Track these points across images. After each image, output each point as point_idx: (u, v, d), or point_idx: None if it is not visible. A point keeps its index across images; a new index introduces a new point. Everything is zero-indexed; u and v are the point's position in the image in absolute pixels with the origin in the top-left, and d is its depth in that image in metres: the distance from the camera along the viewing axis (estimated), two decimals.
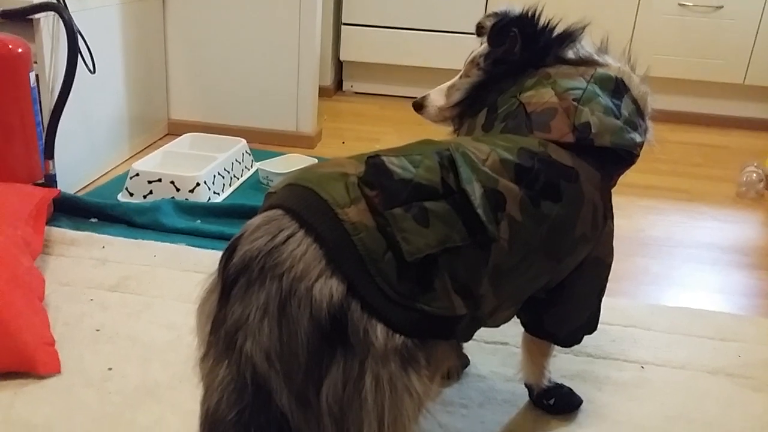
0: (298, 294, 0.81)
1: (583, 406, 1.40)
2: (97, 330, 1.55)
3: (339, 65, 3.95)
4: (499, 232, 0.95)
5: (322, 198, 0.86)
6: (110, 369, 1.42)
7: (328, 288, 0.81)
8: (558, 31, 1.22)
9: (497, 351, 1.56)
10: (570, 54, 1.21)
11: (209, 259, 1.86)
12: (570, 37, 1.22)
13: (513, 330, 1.63)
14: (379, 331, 0.82)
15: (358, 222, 0.85)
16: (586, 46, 1.23)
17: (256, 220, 0.88)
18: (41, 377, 1.37)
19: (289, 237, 0.83)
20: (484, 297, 0.95)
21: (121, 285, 1.74)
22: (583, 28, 1.23)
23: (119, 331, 1.55)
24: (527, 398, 1.40)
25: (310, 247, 0.83)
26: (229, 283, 0.85)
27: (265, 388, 0.82)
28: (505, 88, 1.19)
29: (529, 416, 1.37)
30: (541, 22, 1.22)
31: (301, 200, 0.87)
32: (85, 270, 1.80)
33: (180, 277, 1.78)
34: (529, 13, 1.22)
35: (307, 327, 0.80)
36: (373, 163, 0.91)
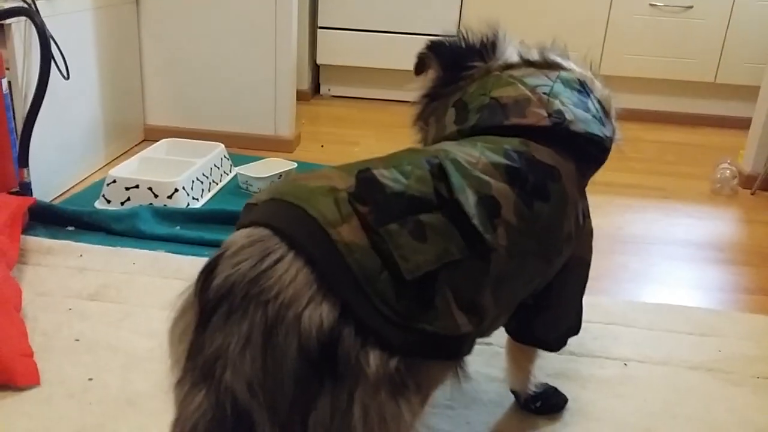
0: (285, 322, 0.76)
1: (568, 404, 1.41)
2: (77, 340, 1.52)
3: (316, 69, 3.94)
4: (497, 239, 0.93)
5: (311, 216, 0.82)
6: (90, 379, 1.39)
7: (318, 315, 0.77)
8: (474, 41, 1.25)
9: (482, 351, 1.56)
10: (535, 56, 1.23)
11: (189, 265, 1.84)
12: (489, 44, 1.24)
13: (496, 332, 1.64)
14: (372, 358, 0.78)
15: (351, 242, 0.80)
16: (551, 51, 1.25)
17: (238, 239, 0.82)
18: (20, 389, 1.35)
19: (277, 261, 0.79)
20: (486, 309, 0.93)
21: (99, 293, 1.71)
22: (497, 32, 1.25)
23: (99, 340, 1.53)
24: (513, 399, 1.40)
25: (300, 271, 0.78)
26: (209, 308, 0.80)
27: (246, 419, 0.77)
28: (455, 91, 1.22)
29: (514, 416, 1.37)
30: (457, 39, 1.26)
31: (289, 219, 0.82)
32: (62, 279, 1.77)
33: (160, 284, 1.76)
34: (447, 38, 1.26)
35: (295, 356, 0.76)
36: (364, 177, 0.87)
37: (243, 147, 2.87)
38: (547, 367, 1.52)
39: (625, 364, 1.56)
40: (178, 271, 1.83)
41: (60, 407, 1.31)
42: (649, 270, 2.07)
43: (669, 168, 3.05)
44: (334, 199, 0.84)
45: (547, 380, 1.43)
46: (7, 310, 1.47)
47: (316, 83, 3.99)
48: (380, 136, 3.21)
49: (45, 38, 1.95)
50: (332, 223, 0.82)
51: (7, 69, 1.99)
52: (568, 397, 1.42)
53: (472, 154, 1.00)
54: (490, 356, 1.55)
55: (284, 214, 0.83)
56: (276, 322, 0.76)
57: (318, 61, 3.84)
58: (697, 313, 1.80)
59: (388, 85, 3.85)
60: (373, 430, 0.78)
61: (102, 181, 2.28)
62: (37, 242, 1.93)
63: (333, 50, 3.78)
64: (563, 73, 1.20)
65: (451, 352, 0.88)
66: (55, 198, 2.30)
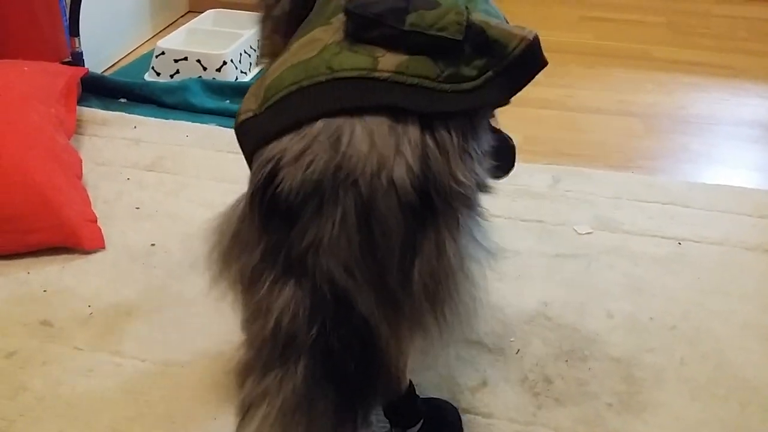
0: (381, 190, 0.75)
1: (619, 279, 1.41)
2: (137, 208, 1.57)
3: None
4: None
5: (349, 78, 0.77)
6: (153, 245, 1.45)
7: (405, 164, 0.76)
8: None
9: (532, 228, 1.56)
10: None
11: None
12: None
13: (546, 208, 1.63)
14: (460, 170, 0.79)
15: (395, 68, 0.77)
16: None
17: (294, 144, 0.77)
18: (87, 252, 1.41)
19: (350, 139, 0.76)
20: None
21: (156, 165, 1.74)
22: None
23: (158, 208, 1.57)
24: (564, 273, 1.41)
25: (373, 133, 0.76)
26: (294, 209, 0.78)
27: (345, 300, 0.79)
28: None
29: (563, 289, 1.38)
30: None
31: (332, 96, 0.78)
32: (119, 150, 1.80)
33: (214, 156, 1.78)
34: None
35: (399, 218, 0.76)
36: (351, 11, 0.81)
37: None
38: (599, 244, 1.51)
39: (680, 243, 1.54)
40: (230, 145, 1.82)
41: (125, 270, 1.37)
42: (711, 151, 1.99)
43: (739, 45, 2.86)
44: (347, 50, 0.80)
45: (598, 256, 1.43)
46: (70, 177, 1.52)
47: None
48: None
49: None
50: (369, 68, 0.78)
51: None
52: (620, 273, 1.42)
53: None
54: (541, 233, 1.55)
55: (324, 96, 0.79)
56: (372, 196, 0.76)
57: None
58: (757, 194, 1.75)
59: None
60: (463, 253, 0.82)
61: (150, 53, 2.26)
62: (92, 113, 1.95)
63: None
64: None
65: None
66: (105, 70, 2.30)
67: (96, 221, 1.48)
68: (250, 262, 0.84)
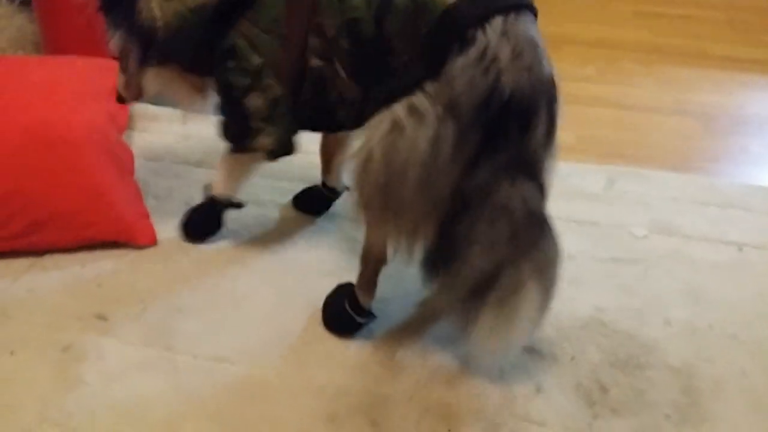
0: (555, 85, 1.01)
1: (677, 286, 1.37)
2: (187, 204, 1.57)
3: None
4: None
5: None
6: (203, 241, 1.46)
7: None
8: None
9: (587, 230, 1.52)
10: None
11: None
12: None
13: (601, 210, 1.59)
14: None
15: None
16: None
17: (502, 44, 0.95)
18: (139, 248, 1.42)
19: (535, 40, 0.98)
20: None
21: (205, 161, 1.75)
22: None
23: None
24: (619, 278, 1.37)
25: (536, 33, 1.00)
26: (520, 110, 0.95)
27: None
28: None
29: (618, 294, 1.34)
30: None
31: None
32: (169, 145, 1.82)
33: None
34: None
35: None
36: None
37: None
38: (656, 248, 1.47)
39: (740, 249, 1.49)
40: None
41: (177, 266, 1.38)
42: None
43: None
44: None
45: (655, 261, 1.39)
46: (123, 173, 1.53)
47: None
48: None
49: None
50: None
51: None
52: (678, 279, 1.37)
53: None
54: (598, 238, 1.51)
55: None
56: (553, 91, 1.01)
57: None
58: None
59: None
60: None
61: None
62: (143, 108, 1.97)
63: None
64: None
65: None
66: None
67: (148, 217, 1.49)
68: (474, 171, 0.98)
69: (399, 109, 0.98)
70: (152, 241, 1.44)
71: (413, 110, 0.97)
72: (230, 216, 1.51)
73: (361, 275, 1.21)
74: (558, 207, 1.58)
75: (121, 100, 1.43)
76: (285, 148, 1.27)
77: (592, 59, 2.41)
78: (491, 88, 0.92)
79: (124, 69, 1.37)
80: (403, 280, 1.31)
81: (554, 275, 1.04)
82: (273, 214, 1.55)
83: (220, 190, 1.40)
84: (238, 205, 1.44)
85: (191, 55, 1.26)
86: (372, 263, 1.19)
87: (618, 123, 2.02)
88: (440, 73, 0.95)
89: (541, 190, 1.02)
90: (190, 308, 1.28)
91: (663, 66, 2.39)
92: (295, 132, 1.26)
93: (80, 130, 1.51)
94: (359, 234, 1.20)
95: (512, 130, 0.95)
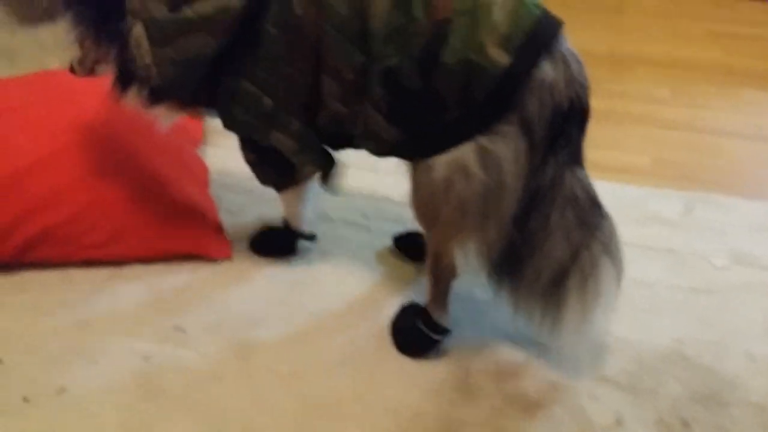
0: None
1: (759, 319, 1.32)
2: (260, 219, 1.60)
3: None
4: None
5: (542, 14, 1.06)
6: (276, 258, 1.48)
7: None
8: None
9: (663, 257, 1.48)
10: None
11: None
12: None
13: (678, 237, 1.54)
14: None
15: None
16: None
17: (556, 72, 1.04)
18: (214, 261, 1.45)
19: (573, 64, 1.06)
20: None
21: None
22: None
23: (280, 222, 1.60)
24: (698, 309, 1.33)
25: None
26: (562, 124, 1.06)
27: None
28: None
29: (698, 326, 1.30)
30: None
31: (550, 29, 1.05)
32: (242, 161, 1.85)
33: None
34: None
35: None
36: None
37: None
38: (736, 279, 1.42)
39: None
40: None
41: (251, 280, 1.41)
42: None
43: None
44: None
45: (735, 292, 1.35)
46: (198, 187, 1.57)
47: None
48: None
49: None
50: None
51: None
52: (761, 311, 1.33)
53: None
54: (673, 263, 1.47)
55: (549, 29, 1.05)
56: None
57: None
58: None
59: None
60: None
61: None
62: (216, 123, 2.01)
63: None
64: None
65: None
66: None
67: (223, 231, 1.52)
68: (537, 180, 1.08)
69: (480, 139, 1.05)
70: (227, 255, 1.46)
71: (493, 137, 1.05)
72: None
73: (435, 292, 1.22)
74: (633, 232, 1.56)
75: (72, 71, 1.34)
76: (330, 165, 1.29)
77: (665, 80, 2.36)
78: (556, 106, 1.04)
79: (81, 45, 1.29)
80: (473, 299, 1.31)
81: (619, 247, 1.13)
82: (344, 231, 1.56)
83: (291, 220, 1.43)
84: (311, 237, 1.46)
85: (186, 99, 1.24)
86: (445, 278, 1.21)
87: (694, 146, 1.97)
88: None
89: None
90: (265, 322, 1.29)
91: (738, 88, 2.32)
92: (324, 149, 1.28)
93: (157, 144, 1.56)
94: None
95: (571, 132, 1.08)
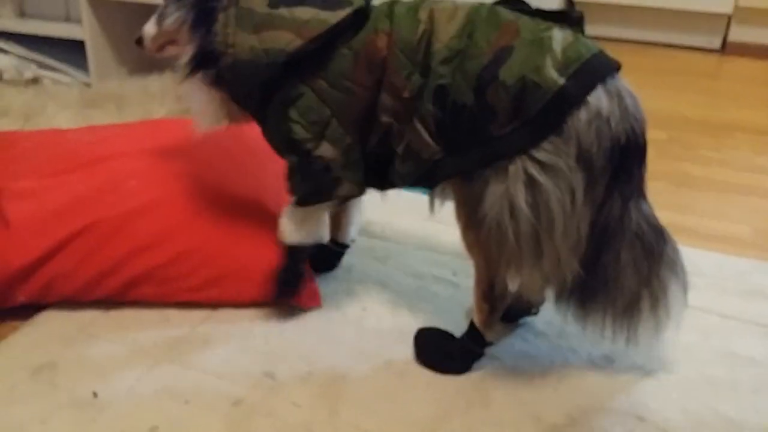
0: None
1: None
2: (349, 271, 1.62)
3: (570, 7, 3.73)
4: None
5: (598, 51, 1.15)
6: (364, 309, 1.49)
7: None
8: None
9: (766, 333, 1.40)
10: None
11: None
12: None
13: None
14: None
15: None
16: None
17: (612, 105, 1.09)
18: (304, 310, 1.47)
19: (627, 97, 1.12)
20: None
21: (366, 229, 1.80)
22: None
23: (368, 273, 1.61)
24: None
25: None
26: (639, 149, 1.13)
27: None
28: None
29: None
30: None
31: (606, 64, 1.12)
32: None
33: (422, 225, 1.81)
34: None
35: None
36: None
37: None
38: None
39: None
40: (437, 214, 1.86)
41: (339, 331, 1.42)
42: None
43: None
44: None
45: None
46: None
47: None
48: (643, 82, 2.96)
49: None
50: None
51: None
52: None
53: None
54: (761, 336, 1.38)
55: (604, 64, 1.12)
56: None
57: None
58: None
59: (652, 25, 3.54)
60: None
61: None
62: None
63: None
64: None
65: None
66: None
67: (313, 279, 1.55)
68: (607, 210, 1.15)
69: (529, 166, 1.10)
70: (317, 304, 1.48)
71: (544, 167, 1.09)
72: (391, 287, 1.53)
73: (489, 316, 1.28)
74: (737, 306, 1.49)
75: (139, 43, 1.41)
76: (361, 191, 1.34)
77: (765, 148, 2.28)
78: (613, 137, 1.09)
79: (158, 22, 1.36)
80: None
81: (683, 266, 1.21)
82: (432, 287, 1.56)
83: (293, 239, 1.41)
84: (323, 247, 1.50)
85: (247, 91, 1.29)
86: (501, 304, 1.27)
87: None
88: (562, 131, 1.09)
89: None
90: (353, 376, 1.29)
91: None
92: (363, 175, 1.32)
93: (254, 192, 1.61)
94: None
95: (632, 166, 1.13)
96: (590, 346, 1.36)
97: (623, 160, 1.11)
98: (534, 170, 1.09)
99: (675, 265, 1.20)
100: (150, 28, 1.38)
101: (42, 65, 2.80)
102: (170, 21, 1.32)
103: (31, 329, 1.39)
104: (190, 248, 1.46)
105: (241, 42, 1.22)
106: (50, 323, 1.41)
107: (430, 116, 1.18)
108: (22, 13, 2.87)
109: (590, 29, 3.97)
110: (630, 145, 1.10)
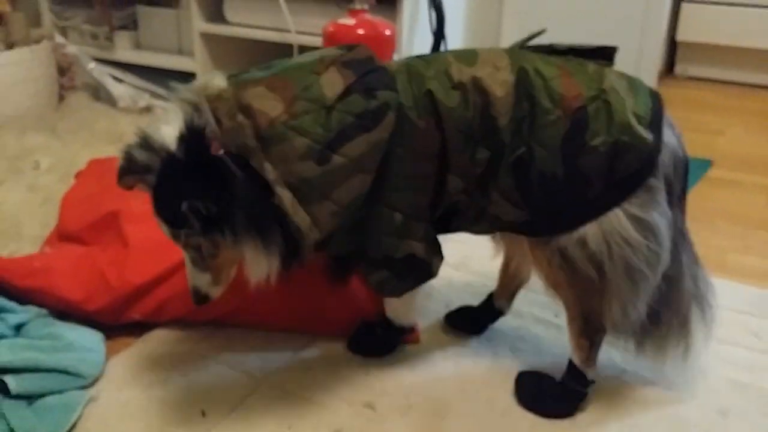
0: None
1: None
2: (447, 307, 1.61)
3: (672, 46, 3.63)
4: None
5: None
6: (463, 346, 1.47)
7: None
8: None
9: None
10: None
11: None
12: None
13: None
14: None
15: None
16: None
17: (672, 138, 1.18)
18: (404, 346, 1.47)
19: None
20: None
21: (464, 264, 1.79)
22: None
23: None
24: None
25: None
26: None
27: None
28: None
29: None
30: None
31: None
32: None
33: None
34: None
35: None
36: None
37: None
38: None
39: None
40: None
41: (438, 367, 1.41)
42: None
43: None
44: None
45: None
46: None
47: (670, 62, 3.68)
48: (749, 125, 2.84)
49: (441, 15, 2.05)
50: None
51: None
52: None
53: None
54: None
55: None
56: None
57: (678, 38, 3.53)
58: None
59: (759, 67, 3.39)
60: None
61: None
62: None
63: (697, 26, 3.44)
64: None
65: None
66: None
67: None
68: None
69: (623, 220, 1.13)
70: (417, 340, 1.48)
71: (645, 201, 1.14)
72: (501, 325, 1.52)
73: (590, 351, 1.24)
74: None
75: (204, 300, 1.21)
76: (442, 258, 1.30)
77: None
78: (680, 161, 1.18)
79: (205, 267, 1.17)
80: None
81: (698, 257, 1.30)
82: (534, 328, 1.53)
83: (409, 321, 1.42)
84: (411, 330, 1.45)
85: (338, 239, 1.19)
86: (600, 337, 1.24)
87: None
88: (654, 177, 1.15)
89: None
90: (453, 414, 1.28)
91: None
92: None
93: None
94: None
95: (686, 181, 1.22)
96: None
97: (685, 177, 1.22)
98: (635, 210, 1.13)
99: (697, 261, 1.30)
100: (201, 279, 1.18)
101: (155, 95, 2.97)
102: (229, 243, 1.11)
103: (143, 346, 1.46)
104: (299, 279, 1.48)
105: (318, 214, 1.10)
106: (162, 341, 1.47)
107: (512, 189, 1.16)
108: (137, 45, 3.05)
109: (695, 71, 3.86)
110: (687, 164, 1.20)
